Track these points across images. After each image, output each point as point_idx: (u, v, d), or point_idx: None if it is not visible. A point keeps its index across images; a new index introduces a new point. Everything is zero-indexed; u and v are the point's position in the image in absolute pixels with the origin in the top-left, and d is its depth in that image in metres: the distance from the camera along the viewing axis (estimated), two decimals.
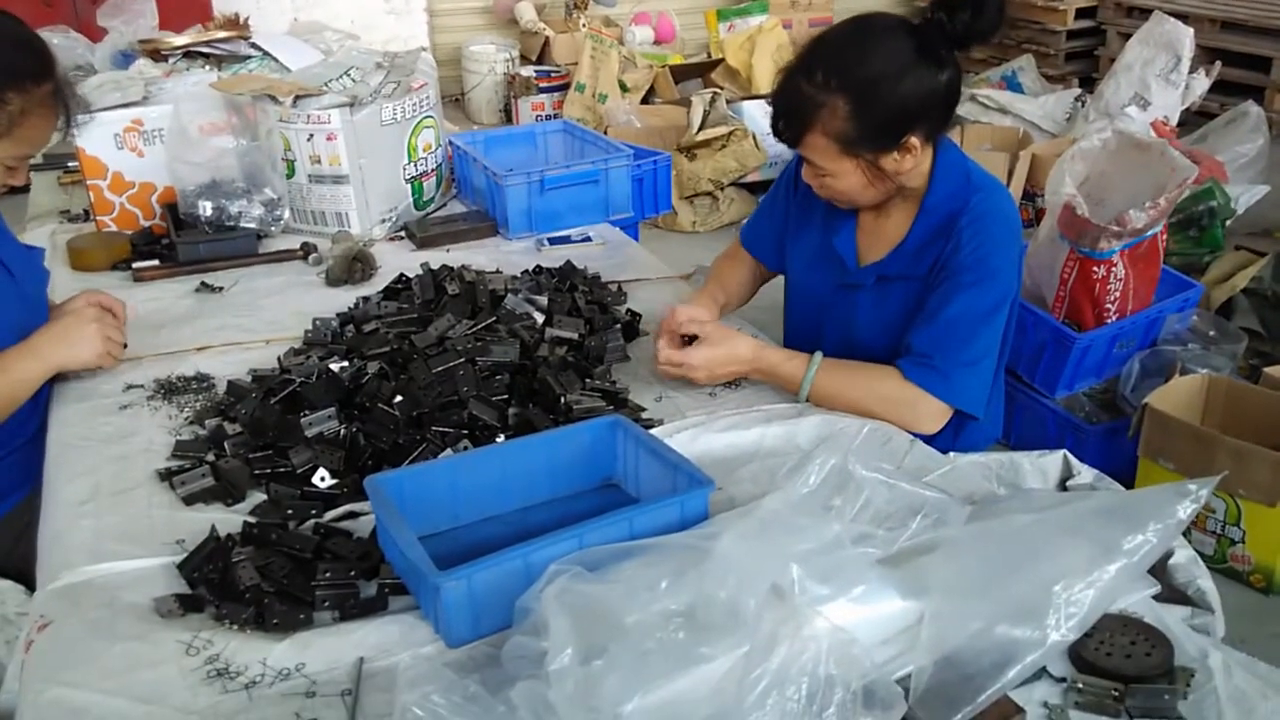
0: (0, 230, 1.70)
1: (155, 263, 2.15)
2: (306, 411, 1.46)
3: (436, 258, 2.15)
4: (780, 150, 4.75)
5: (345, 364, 1.57)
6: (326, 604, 1.16)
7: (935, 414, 1.50)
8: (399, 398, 1.47)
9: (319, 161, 2.23)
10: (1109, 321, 2.49)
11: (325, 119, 2.19)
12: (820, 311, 1.72)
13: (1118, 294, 2.46)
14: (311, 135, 2.21)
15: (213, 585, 1.19)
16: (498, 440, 1.42)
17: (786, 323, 1.85)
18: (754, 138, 4.52)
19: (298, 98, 2.19)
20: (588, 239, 2.30)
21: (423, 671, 0.97)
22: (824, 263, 1.71)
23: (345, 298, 1.98)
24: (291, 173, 2.26)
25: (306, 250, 2.20)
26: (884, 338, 1.62)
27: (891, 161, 1.52)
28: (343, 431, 1.43)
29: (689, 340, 1.61)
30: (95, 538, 1.30)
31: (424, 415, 1.43)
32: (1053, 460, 1.47)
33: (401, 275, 1.93)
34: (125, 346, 1.71)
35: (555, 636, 0.97)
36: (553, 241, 2.28)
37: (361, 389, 1.49)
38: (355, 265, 2.10)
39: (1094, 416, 2.56)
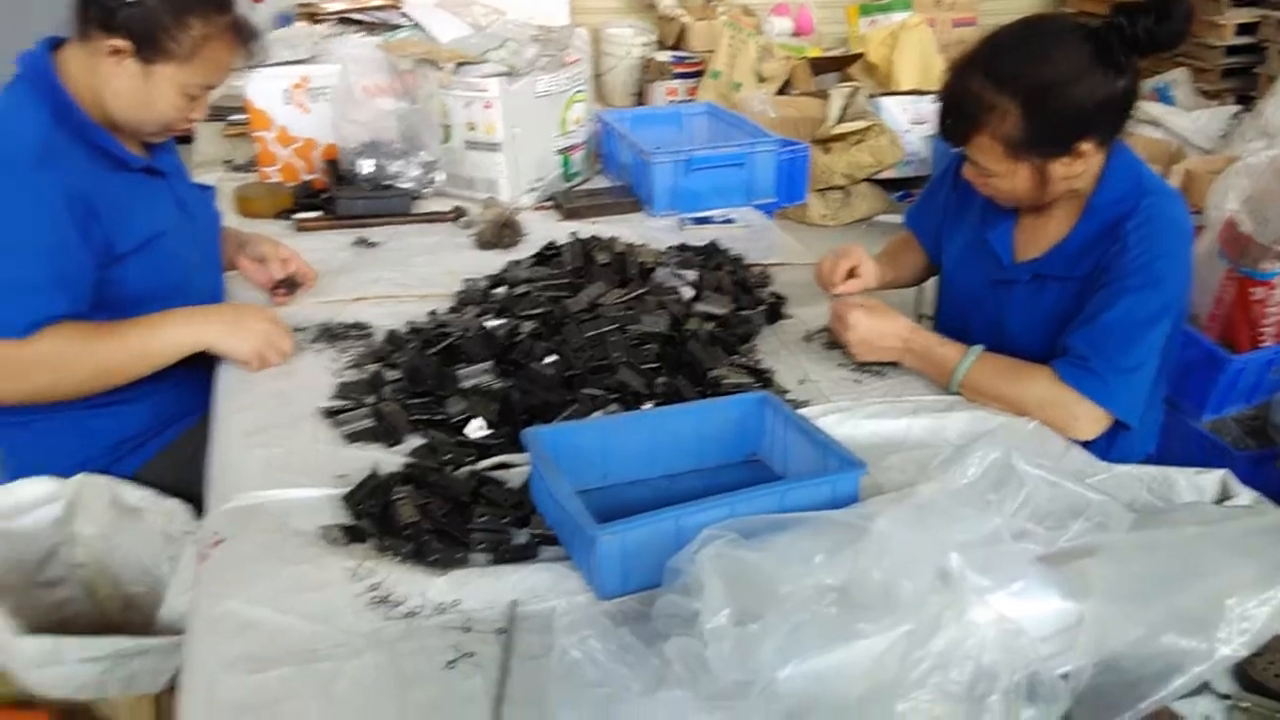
0: (177, 169, 1.78)
1: (317, 215, 2.24)
2: (463, 364, 1.51)
3: (581, 229, 2.19)
4: (918, 149, 4.68)
5: (500, 322, 1.61)
6: (482, 546, 1.20)
7: (1092, 419, 1.47)
8: (551, 358, 1.51)
9: (474, 128, 2.29)
10: (1265, 345, 2.39)
11: (484, 87, 2.25)
12: (970, 307, 1.70)
13: (1277, 317, 2.36)
14: (469, 102, 2.27)
15: (374, 519, 1.24)
16: (645, 407, 1.45)
17: (938, 319, 1.84)
18: (892, 134, 4.45)
19: (459, 65, 2.25)
20: (730, 221, 2.31)
21: (579, 617, 1.00)
22: (978, 257, 1.68)
23: (493, 260, 2.03)
24: (447, 138, 2.33)
25: (457, 214, 2.26)
26: (1034, 338, 1.59)
27: (1061, 166, 1.49)
28: (497, 386, 1.48)
29: None
30: (264, 466, 1.37)
31: (575, 377, 1.47)
32: (1210, 479, 1.42)
33: (552, 243, 1.97)
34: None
35: (710, 598, 0.98)
36: (695, 221, 2.29)
37: (515, 347, 1.54)
38: (504, 231, 2.15)
39: (1241, 442, 2.46)
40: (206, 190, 1.84)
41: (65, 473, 1.59)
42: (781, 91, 5.16)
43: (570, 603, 1.13)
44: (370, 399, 1.51)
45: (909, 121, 4.68)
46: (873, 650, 0.91)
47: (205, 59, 1.52)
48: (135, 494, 1.60)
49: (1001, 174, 1.50)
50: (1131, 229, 1.48)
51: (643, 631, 1.04)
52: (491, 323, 1.61)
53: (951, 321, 1.76)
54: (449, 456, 1.35)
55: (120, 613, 1.69)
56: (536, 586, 1.16)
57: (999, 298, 1.65)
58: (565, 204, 2.32)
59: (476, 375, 1.48)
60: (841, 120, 4.42)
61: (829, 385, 1.60)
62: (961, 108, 1.51)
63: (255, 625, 1.09)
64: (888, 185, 4.77)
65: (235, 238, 1.89)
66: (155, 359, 1.56)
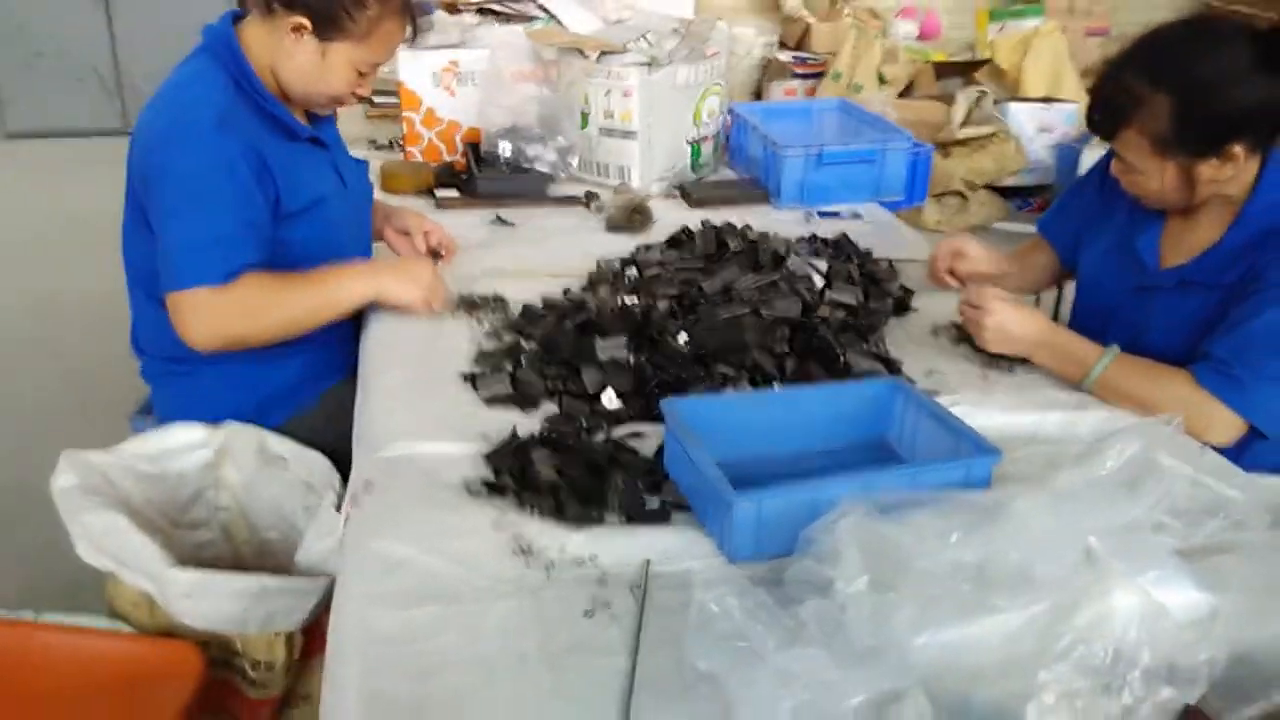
0: (337, 141, 1.88)
1: (456, 193, 2.33)
2: (598, 337, 1.56)
3: (708, 218, 2.24)
4: (1042, 157, 4.60)
5: (634, 300, 1.66)
6: (617, 507, 1.25)
7: (1228, 425, 1.45)
8: (684, 336, 1.56)
9: (611, 116, 2.35)
10: None
11: (624, 76, 2.30)
12: (1108, 313, 1.68)
13: None
14: (609, 90, 2.33)
15: (514, 477, 1.30)
16: (774, 388, 1.48)
17: (1072, 325, 1.82)
18: (1016, 141, 4.38)
19: (602, 54, 2.31)
20: (858, 216, 2.32)
21: (716, 576, 1.05)
22: (1120, 261, 1.67)
23: (623, 244, 2.09)
24: (584, 124, 2.39)
25: (590, 198, 2.32)
26: (1174, 346, 1.56)
27: (1210, 168, 1.47)
28: (632, 360, 1.53)
29: None
30: (411, 421, 1.44)
31: (708, 355, 1.51)
32: None
33: (685, 228, 2.01)
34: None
35: (847, 566, 1.02)
36: (822, 215, 2.31)
37: (650, 324, 1.58)
38: (635, 216, 2.21)
39: None
40: (361, 164, 1.95)
41: (214, 422, 1.70)
42: (903, 95, 5.12)
43: (704, 565, 1.17)
44: (507, 366, 1.58)
45: (1035, 129, 4.60)
46: (1009, 625, 0.93)
47: (378, 37, 1.61)
48: (280, 445, 1.70)
49: (1148, 172, 1.49)
50: None
51: (776, 595, 1.08)
52: (627, 300, 1.66)
53: (1087, 327, 1.73)
54: (585, 423, 1.41)
55: (254, 557, 1.79)
56: (668, 549, 1.20)
57: (1140, 304, 1.63)
58: (693, 193, 2.37)
59: (612, 349, 1.53)
60: (965, 124, 4.37)
61: (956, 378, 1.60)
62: (1112, 100, 1.50)
63: (405, 565, 1.16)
64: (1007, 193, 4.69)
65: (382, 210, 1.99)
66: (337, 309, 1.67)
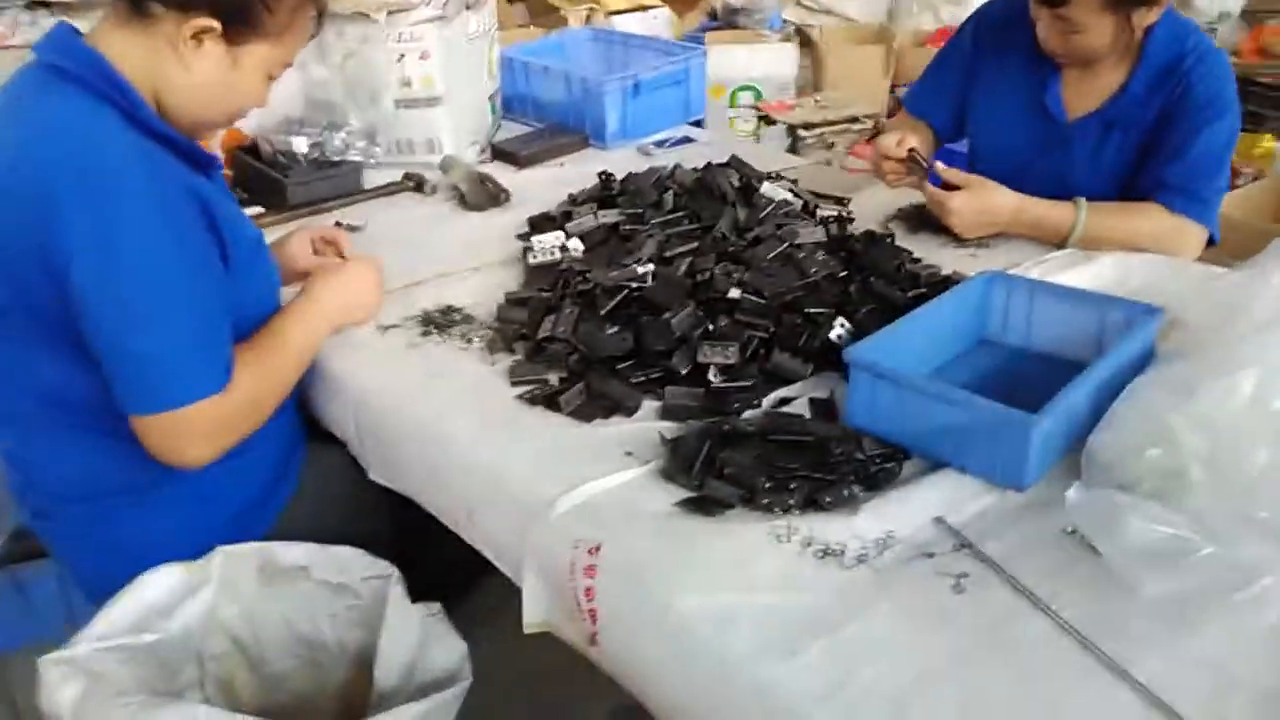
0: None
1: (261, 210, 1.91)
2: (662, 316, 1.39)
3: (540, 176, 2.08)
4: None
5: (648, 267, 1.49)
6: (852, 479, 1.14)
7: (1198, 241, 1.64)
8: (735, 290, 1.43)
9: (409, 85, 2.05)
10: None
11: (419, 36, 2.01)
12: (1021, 173, 1.75)
13: None
14: (403, 55, 2.03)
15: (734, 484, 1.13)
16: (857, 318, 1.41)
17: None
18: None
19: (389, 13, 2.00)
20: (689, 140, 2.27)
21: (1089, 504, 1.00)
22: (1025, 120, 1.77)
23: (499, 222, 1.88)
24: (374, 100, 2.07)
25: (417, 181, 2.03)
26: (1099, 188, 1.70)
27: (1141, 14, 1.60)
28: (714, 327, 1.38)
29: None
30: (536, 465, 1.20)
31: (789, 301, 1.40)
32: None
33: (605, 176, 1.83)
34: None
35: (1190, 445, 1.03)
36: (657, 145, 2.23)
37: (700, 285, 1.44)
38: (487, 189, 1.97)
39: None
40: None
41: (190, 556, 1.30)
42: None
43: (992, 502, 1.11)
44: (557, 377, 1.36)
45: None
46: None
47: (294, 31, 1.26)
48: (291, 552, 1.34)
49: (1094, 28, 1.59)
50: (1191, 65, 1.63)
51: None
52: (642, 268, 1.48)
53: None
54: (738, 403, 1.26)
55: (256, 701, 1.41)
56: (938, 501, 1.12)
57: (1055, 159, 1.75)
58: (519, 152, 2.16)
59: (686, 323, 1.37)
60: None
61: (953, 262, 1.63)
62: None
63: (735, 611, 0.97)
64: None
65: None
66: (307, 363, 1.39)
